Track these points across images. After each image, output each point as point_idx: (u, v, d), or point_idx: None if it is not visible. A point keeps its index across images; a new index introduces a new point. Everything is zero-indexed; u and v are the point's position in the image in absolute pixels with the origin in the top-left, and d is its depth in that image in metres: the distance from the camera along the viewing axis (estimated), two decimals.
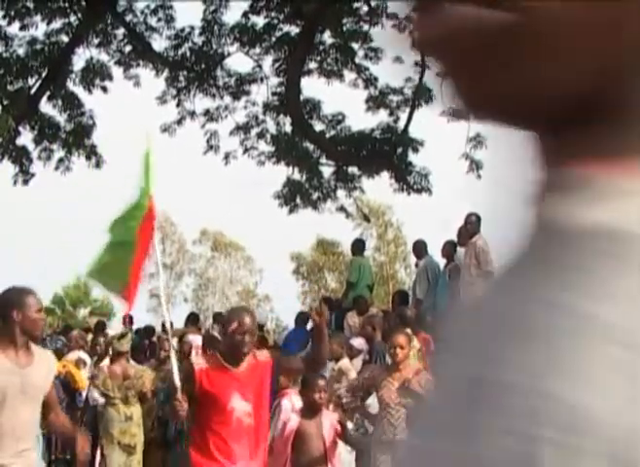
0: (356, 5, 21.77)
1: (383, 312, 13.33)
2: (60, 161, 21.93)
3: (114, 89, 21.92)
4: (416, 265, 14.81)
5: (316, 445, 7.15)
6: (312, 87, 33.90)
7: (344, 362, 9.85)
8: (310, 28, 21.02)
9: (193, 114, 22.17)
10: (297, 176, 21.97)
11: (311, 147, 22.02)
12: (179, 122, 22.18)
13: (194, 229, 49.55)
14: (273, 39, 21.60)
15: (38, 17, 20.65)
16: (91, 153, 21.93)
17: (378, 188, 24.64)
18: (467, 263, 12.21)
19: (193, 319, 16.94)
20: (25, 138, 21.48)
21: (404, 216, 51.75)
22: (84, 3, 20.93)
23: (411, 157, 21.53)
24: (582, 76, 0.59)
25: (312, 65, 21.99)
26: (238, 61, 22.74)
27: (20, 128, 20.86)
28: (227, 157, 22.21)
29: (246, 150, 22.29)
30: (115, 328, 17.55)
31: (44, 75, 21.02)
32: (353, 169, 22.38)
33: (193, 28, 21.54)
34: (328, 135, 22.07)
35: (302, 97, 21.73)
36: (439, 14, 0.64)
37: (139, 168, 6.51)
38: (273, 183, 22.03)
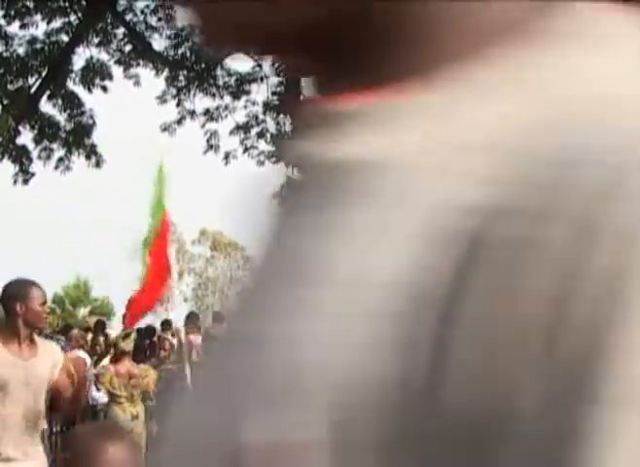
0: None
1: None
2: (60, 160, 21.94)
3: (114, 88, 21.95)
4: None
5: None
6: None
7: None
8: None
9: (193, 113, 22.18)
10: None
11: None
12: (179, 121, 22.19)
13: (193, 229, 49.64)
14: None
15: (38, 17, 20.67)
16: (91, 152, 21.94)
17: None
18: None
19: (192, 318, 16.94)
20: (25, 138, 21.50)
21: None
22: (84, 2, 20.94)
23: None
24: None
25: None
26: (238, 61, 22.76)
27: (20, 128, 20.86)
28: (227, 156, 22.23)
29: (246, 149, 22.31)
30: (115, 327, 17.55)
31: (44, 74, 21.02)
32: None
33: (193, 27, 21.53)
34: None
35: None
36: None
37: (153, 183, 6.42)
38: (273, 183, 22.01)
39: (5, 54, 20.74)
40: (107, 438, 2.67)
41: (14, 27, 20.75)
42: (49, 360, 5.59)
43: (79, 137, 21.77)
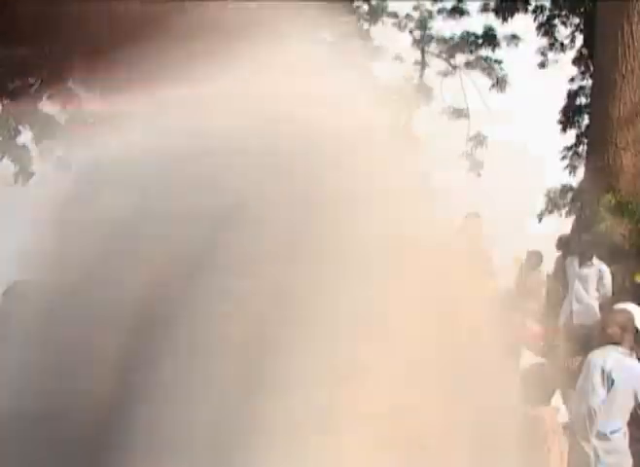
0: (356, 3, 21.76)
1: None
2: (60, 158, 21.92)
3: None
4: None
5: None
6: None
7: None
8: None
9: None
10: None
11: None
12: None
13: None
14: None
15: None
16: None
17: None
18: None
19: None
20: (26, 136, 21.48)
21: None
22: None
23: None
24: None
25: None
26: None
27: (20, 127, 20.85)
28: None
29: None
30: None
31: (44, 74, 21.00)
32: None
33: None
34: None
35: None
36: None
37: None
38: None
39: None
40: None
41: None
42: None
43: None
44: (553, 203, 20.52)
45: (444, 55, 21.86)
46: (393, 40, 22.56)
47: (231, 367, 1.06)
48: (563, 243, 13.37)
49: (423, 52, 21.88)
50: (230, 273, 1.13)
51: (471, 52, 21.57)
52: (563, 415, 6.13)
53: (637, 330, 7.02)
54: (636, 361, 6.81)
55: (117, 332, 1.09)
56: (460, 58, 21.69)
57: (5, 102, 19.75)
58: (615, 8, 14.14)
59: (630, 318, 6.91)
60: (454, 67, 21.69)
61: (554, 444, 5.55)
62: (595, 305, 11.53)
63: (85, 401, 0.47)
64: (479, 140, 21.59)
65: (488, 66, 21.48)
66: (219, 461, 0.97)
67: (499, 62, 21.53)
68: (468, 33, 21.44)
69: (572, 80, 21.75)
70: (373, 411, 1.27)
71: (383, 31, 23.62)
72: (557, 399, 5.98)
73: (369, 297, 1.30)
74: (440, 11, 21.57)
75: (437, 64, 21.95)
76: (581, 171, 17.92)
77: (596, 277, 11.68)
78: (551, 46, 21.59)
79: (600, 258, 11.80)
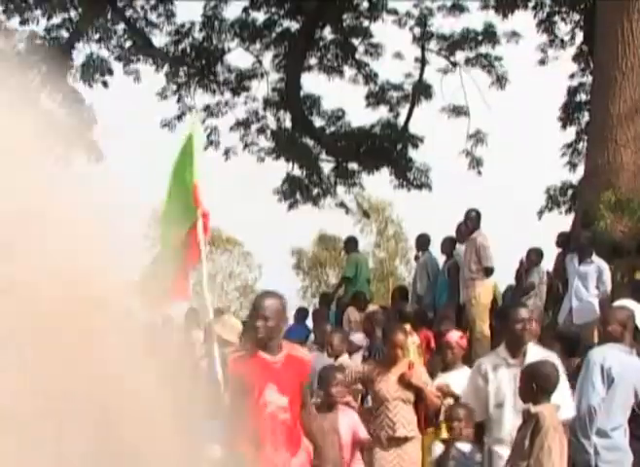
0: (356, 1, 21.75)
1: (383, 309, 13.30)
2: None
3: (114, 84, 21.90)
4: (416, 257, 14.78)
5: (330, 439, 6.97)
6: (312, 83, 33.84)
7: (344, 358, 9.83)
8: (310, 24, 21.02)
9: (193, 109, 22.15)
10: (297, 172, 21.96)
11: (311, 143, 22.02)
12: (179, 117, 22.16)
13: None
14: (274, 35, 21.59)
15: (38, 12, 20.66)
16: (91, 148, 21.91)
17: (378, 184, 24.67)
18: (467, 259, 12.21)
19: (192, 315, 16.91)
20: None
21: (404, 212, 51.71)
22: None
23: (411, 153, 21.54)
24: None
25: (312, 61, 21.99)
26: (239, 57, 22.73)
27: None
28: (227, 152, 22.19)
29: (246, 146, 22.28)
30: None
31: (44, 70, 21.00)
32: (353, 165, 22.38)
33: (193, 24, 21.53)
34: (328, 131, 22.07)
35: (302, 93, 21.72)
36: None
37: (180, 153, 5.88)
38: (273, 179, 22.04)
39: (5, 50, 20.72)
40: None
41: (14, 23, 20.76)
42: None
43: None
44: (553, 200, 20.54)
45: (443, 53, 21.84)
46: (393, 37, 22.56)
47: None
48: (563, 240, 13.38)
49: (423, 49, 21.85)
50: None
51: (471, 49, 21.56)
52: (563, 413, 6.12)
53: (637, 328, 7.02)
54: (636, 358, 6.81)
55: None
56: (460, 55, 21.69)
57: None
58: (615, 5, 14.14)
59: (631, 316, 6.90)
60: (454, 64, 21.67)
61: (555, 441, 5.54)
62: (595, 302, 11.53)
63: None
64: (479, 138, 21.58)
65: (488, 63, 21.46)
66: None
67: (499, 59, 21.52)
68: (468, 30, 21.43)
69: (572, 77, 21.77)
70: None
71: (383, 28, 23.62)
72: (557, 396, 5.96)
73: None
74: (440, 8, 21.54)
75: (437, 61, 21.95)
76: (581, 168, 17.93)
77: (596, 275, 11.69)
78: (551, 43, 21.59)
79: (600, 255, 11.81)
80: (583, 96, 21.24)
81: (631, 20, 13.91)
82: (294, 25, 21.56)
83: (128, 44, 21.69)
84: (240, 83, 22.17)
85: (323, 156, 22.25)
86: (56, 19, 20.97)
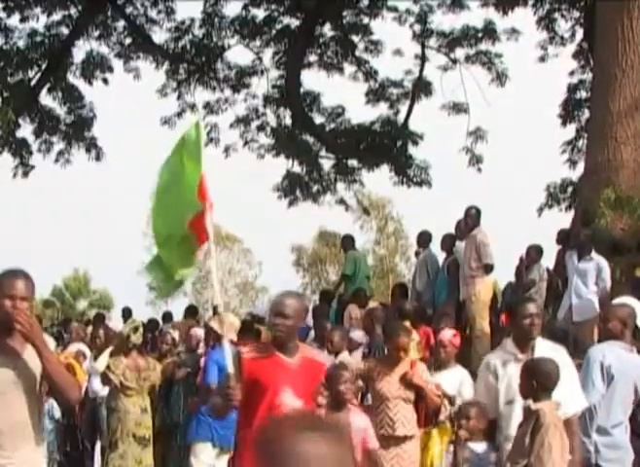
0: None
1: (383, 306, 13.32)
2: (60, 153, 21.93)
3: (114, 81, 21.91)
4: (416, 253, 14.80)
5: None
6: (312, 79, 33.81)
7: (344, 355, 9.84)
8: (310, 21, 21.01)
9: (193, 106, 22.16)
10: (297, 169, 21.97)
11: (311, 140, 22.02)
12: (179, 114, 22.17)
13: None
14: (274, 32, 21.59)
15: (38, 10, 20.66)
16: (91, 145, 21.92)
17: (378, 181, 24.65)
18: (467, 256, 12.22)
19: (191, 312, 16.96)
20: (25, 130, 21.49)
21: (404, 209, 51.78)
22: None
23: (411, 150, 21.54)
24: None
25: (312, 58, 22.00)
26: (239, 54, 22.74)
27: (20, 121, 20.84)
28: (227, 149, 22.20)
29: (246, 143, 22.29)
30: (113, 320, 17.57)
31: (44, 67, 21.01)
32: (353, 162, 22.39)
33: (193, 21, 21.54)
34: (328, 128, 22.08)
35: (302, 90, 21.72)
36: None
37: (185, 144, 5.70)
38: (273, 176, 22.05)
39: (5, 47, 20.72)
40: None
41: (14, 20, 20.76)
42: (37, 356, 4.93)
43: (79, 130, 21.77)
44: (553, 198, 20.54)
45: (443, 50, 21.84)
46: (393, 34, 22.55)
47: None
48: (563, 237, 13.39)
49: (423, 46, 21.85)
50: None
51: (471, 46, 21.56)
52: (573, 406, 6.12)
53: (637, 326, 7.02)
54: (637, 356, 6.81)
55: None
56: (460, 53, 21.69)
57: (5, 95, 19.71)
58: (615, 2, 14.14)
59: (631, 313, 6.90)
60: (454, 61, 21.67)
61: (555, 438, 5.54)
62: (594, 299, 11.54)
63: None
64: (479, 135, 21.59)
65: (488, 60, 21.46)
66: None
67: (499, 56, 21.52)
68: (468, 27, 21.42)
69: (572, 74, 21.77)
70: None
71: (383, 25, 23.60)
72: (566, 389, 5.96)
73: None
74: (440, 5, 21.55)
75: (437, 58, 21.95)
76: (581, 166, 17.92)
77: (595, 272, 11.70)
78: (552, 40, 21.60)
79: (600, 253, 11.81)
80: (583, 94, 21.25)
81: (631, 18, 13.91)
82: (294, 22, 21.58)
83: (128, 41, 21.70)
84: (240, 80, 22.17)
85: (323, 153, 22.27)
86: (56, 16, 20.98)
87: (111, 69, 21.57)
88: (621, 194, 12.96)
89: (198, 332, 11.38)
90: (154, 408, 10.16)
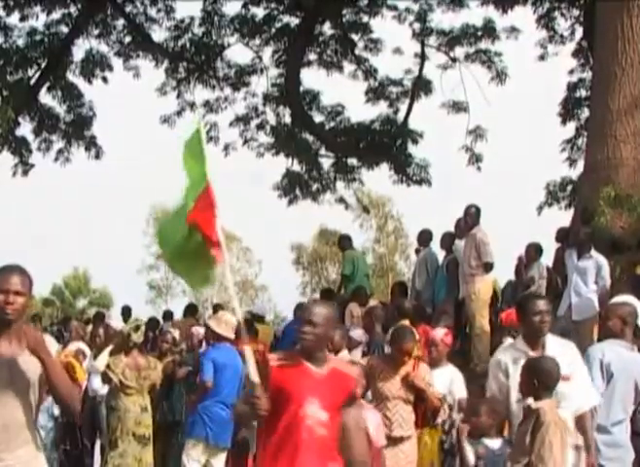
0: None
1: (383, 304, 13.31)
2: (60, 151, 21.93)
3: (114, 80, 21.91)
4: (417, 251, 14.80)
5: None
6: (312, 78, 33.84)
7: (343, 354, 9.83)
8: (310, 19, 21.01)
9: (192, 105, 22.16)
10: (296, 167, 21.97)
11: (311, 138, 22.02)
12: (179, 113, 22.17)
13: None
14: (273, 30, 21.58)
15: (38, 8, 20.64)
16: (91, 144, 21.92)
17: (378, 179, 24.65)
18: (467, 254, 12.22)
19: (191, 310, 16.94)
20: (25, 129, 21.49)
21: (404, 208, 51.76)
22: None
23: (411, 148, 21.53)
24: None
25: (312, 56, 22.00)
26: (238, 52, 22.73)
27: (20, 119, 20.84)
28: (226, 148, 22.20)
29: (246, 141, 22.29)
30: (113, 319, 17.55)
31: (43, 66, 21.00)
32: (352, 161, 22.39)
33: (192, 19, 21.52)
34: (327, 127, 22.07)
35: (301, 89, 21.71)
36: None
37: (188, 150, 5.59)
38: (273, 174, 22.06)
39: (5, 46, 20.72)
40: None
41: (13, 19, 20.75)
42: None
43: (78, 129, 21.76)
44: (553, 196, 20.55)
45: (443, 48, 21.83)
46: (393, 33, 22.54)
47: None
48: (562, 236, 13.39)
49: (423, 44, 21.84)
50: None
51: (470, 44, 21.55)
52: (587, 402, 6.12)
53: (638, 325, 7.01)
54: (637, 354, 6.80)
55: None
56: (460, 51, 21.68)
57: (5, 94, 19.70)
58: (614, 1, 14.13)
59: (632, 312, 6.89)
60: (454, 60, 21.67)
61: (556, 436, 5.54)
62: (594, 298, 11.54)
63: None
64: (478, 133, 21.58)
65: (488, 59, 21.45)
66: None
67: (499, 55, 21.51)
68: (468, 26, 21.42)
69: (571, 72, 21.78)
70: None
71: (383, 24, 23.60)
72: (579, 385, 5.96)
73: None
74: (439, 3, 21.54)
75: (436, 57, 21.94)
76: (580, 164, 17.92)
77: (595, 270, 11.70)
78: (551, 38, 21.60)
79: (599, 251, 11.81)
80: (582, 92, 21.26)
81: (631, 16, 13.91)
82: (293, 21, 21.57)
83: (128, 39, 21.68)
84: (240, 78, 22.17)
85: (322, 151, 22.26)
86: (56, 15, 20.97)
87: (110, 68, 21.57)
88: (620, 192, 12.95)
89: (200, 330, 11.39)
90: (154, 406, 10.17)
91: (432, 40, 21.88)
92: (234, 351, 9.79)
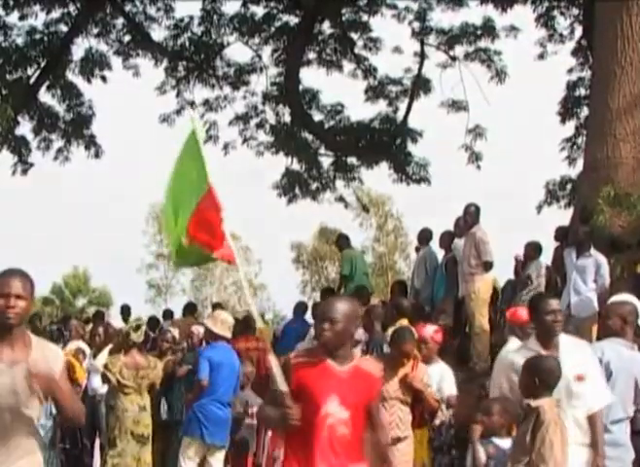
0: None
1: (383, 303, 13.30)
2: (59, 150, 21.92)
3: (113, 79, 21.90)
4: (417, 249, 14.79)
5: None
6: (311, 77, 33.82)
7: None
8: (310, 18, 21.00)
9: (192, 104, 22.14)
10: (296, 166, 21.97)
11: (310, 137, 22.01)
12: (178, 112, 22.15)
13: None
14: (273, 29, 21.57)
15: (37, 7, 20.62)
16: (91, 143, 21.91)
17: (378, 178, 24.65)
18: (466, 253, 12.21)
19: (190, 309, 16.94)
20: (24, 128, 21.48)
21: (404, 207, 51.73)
22: None
23: (410, 147, 21.53)
24: None
25: (311, 55, 21.99)
26: (238, 51, 22.72)
27: (19, 118, 20.83)
28: (226, 147, 22.20)
29: (245, 140, 22.28)
30: (113, 318, 17.57)
31: (43, 65, 20.99)
32: (352, 160, 22.39)
33: (192, 18, 21.51)
34: (327, 125, 22.06)
35: (301, 87, 21.71)
36: None
37: (185, 152, 5.51)
38: (272, 173, 22.06)
39: (4, 45, 20.70)
40: None
41: (13, 18, 20.73)
42: (42, 365, 4.72)
43: (78, 128, 21.75)
44: (552, 195, 20.55)
45: (443, 47, 21.83)
46: (392, 31, 22.54)
47: None
48: (561, 234, 13.40)
49: (422, 43, 21.83)
50: None
51: (470, 43, 21.54)
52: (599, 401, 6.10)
53: (637, 325, 7.00)
54: (637, 353, 6.80)
55: None
56: (459, 50, 21.68)
57: (4, 92, 19.69)
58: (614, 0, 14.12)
59: (632, 310, 6.89)
60: (453, 59, 21.66)
61: (556, 435, 5.53)
62: (593, 297, 11.54)
63: None
64: (478, 132, 21.58)
65: (487, 58, 21.45)
66: None
67: (498, 54, 21.51)
68: (467, 24, 21.41)
69: (571, 71, 21.77)
70: None
71: (382, 23, 23.59)
72: (592, 385, 5.95)
73: None
74: (439, 2, 21.53)
75: (436, 56, 21.94)
76: (580, 163, 17.92)
77: (594, 268, 11.70)
78: (551, 37, 21.59)
79: (598, 250, 11.81)
80: (582, 91, 21.25)
81: (630, 15, 13.90)
82: (293, 20, 21.56)
83: (127, 38, 21.66)
84: (239, 77, 22.16)
85: (322, 150, 22.26)
86: (55, 14, 20.96)
87: (110, 67, 21.55)
88: (619, 191, 12.94)
89: (200, 329, 11.40)
90: (154, 405, 10.18)
91: (431, 39, 21.89)
92: (231, 350, 9.81)
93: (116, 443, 9.69)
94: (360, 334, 11.16)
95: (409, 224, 45.34)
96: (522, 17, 21.48)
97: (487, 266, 12.11)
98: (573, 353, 6.02)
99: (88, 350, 12.21)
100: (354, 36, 22.04)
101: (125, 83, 23.70)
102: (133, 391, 9.79)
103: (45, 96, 21.58)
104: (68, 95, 21.63)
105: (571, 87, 21.67)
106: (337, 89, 22.73)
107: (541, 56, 21.94)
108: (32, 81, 20.97)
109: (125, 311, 17.94)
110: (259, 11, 21.47)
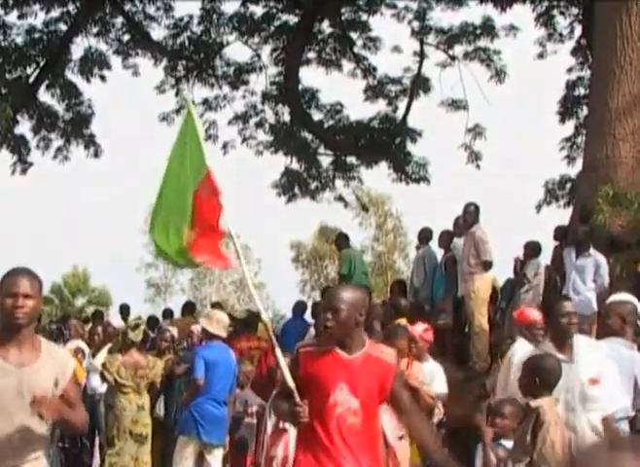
0: None
1: (383, 303, 13.32)
2: (59, 150, 21.92)
3: (112, 78, 21.89)
4: (417, 247, 14.79)
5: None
6: (311, 76, 33.84)
7: None
8: (309, 17, 21.00)
9: (192, 103, 22.10)
10: (295, 166, 21.97)
11: (310, 137, 22.02)
12: (177, 111, 22.14)
13: None
14: (272, 28, 21.57)
15: (37, 6, 20.61)
16: (90, 142, 21.91)
17: (377, 177, 24.66)
18: (466, 253, 12.22)
19: (189, 308, 16.93)
20: (24, 127, 21.48)
21: (403, 206, 51.78)
22: None
23: (410, 146, 21.54)
24: None
25: (311, 55, 21.98)
26: (237, 51, 22.73)
27: (19, 117, 20.82)
28: (225, 146, 22.20)
29: (244, 139, 22.28)
30: (112, 317, 17.57)
31: (42, 64, 20.98)
32: (351, 159, 22.39)
33: (191, 17, 21.51)
34: (326, 125, 22.06)
35: (300, 87, 21.70)
36: None
37: (182, 136, 5.45)
38: (272, 172, 22.06)
39: (3, 44, 20.70)
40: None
41: (12, 17, 20.73)
42: (50, 368, 4.68)
43: (77, 127, 21.75)
44: (552, 194, 20.55)
45: (442, 46, 21.82)
46: (391, 31, 22.54)
47: None
48: (560, 234, 13.39)
49: (422, 42, 21.84)
50: None
51: (469, 42, 21.54)
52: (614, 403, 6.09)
53: (637, 324, 7.00)
54: (636, 352, 6.79)
55: None
56: (459, 49, 21.68)
57: (3, 92, 19.68)
58: None
59: (632, 310, 6.88)
60: (453, 58, 21.66)
61: (557, 434, 5.53)
62: (592, 296, 11.54)
63: None
64: (477, 131, 21.58)
65: (487, 57, 21.45)
66: None
67: (498, 53, 21.51)
68: (466, 24, 21.41)
69: (570, 70, 21.77)
70: None
71: (382, 22, 23.60)
72: (598, 391, 5.93)
73: None
74: (438, 1, 21.54)
75: (435, 55, 21.94)
76: (579, 162, 17.92)
77: (593, 268, 11.70)
78: (550, 36, 21.59)
79: (598, 249, 11.81)
80: (581, 90, 21.25)
81: (630, 14, 13.90)
82: (292, 19, 21.56)
83: (127, 38, 21.66)
84: (239, 76, 22.16)
85: (321, 149, 22.26)
86: (55, 13, 20.96)
87: (109, 66, 21.55)
88: (619, 190, 12.94)
89: (199, 328, 11.41)
90: (153, 405, 10.18)
91: (431, 38, 21.89)
92: (227, 349, 9.82)
93: (114, 442, 9.70)
94: None
95: (409, 223, 45.29)
96: (522, 17, 21.50)
97: (487, 265, 12.12)
98: (588, 355, 5.99)
99: (87, 350, 12.22)
100: (353, 35, 22.04)
101: (125, 82, 23.73)
102: (132, 390, 9.80)
103: (44, 95, 21.61)
104: (67, 95, 21.63)
105: (570, 86, 21.67)
106: (337, 88, 22.75)
107: (540, 56, 21.95)
108: (31, 80, 20.97)
109: (125, 311, 17.94)
110: (258, 10, 21.50)
